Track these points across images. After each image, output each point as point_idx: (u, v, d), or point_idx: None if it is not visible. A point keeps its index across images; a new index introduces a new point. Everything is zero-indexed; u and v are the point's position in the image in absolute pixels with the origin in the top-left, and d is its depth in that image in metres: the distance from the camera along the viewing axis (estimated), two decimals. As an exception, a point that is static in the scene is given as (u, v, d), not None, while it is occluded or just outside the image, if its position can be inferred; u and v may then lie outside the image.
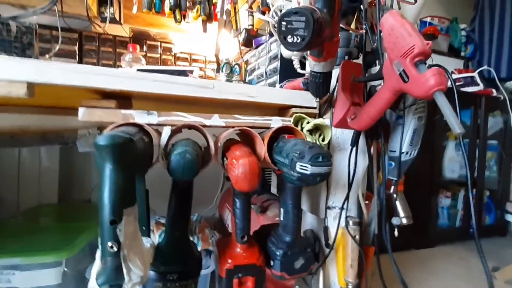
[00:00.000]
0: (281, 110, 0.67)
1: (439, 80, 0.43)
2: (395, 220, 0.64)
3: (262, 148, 0.56)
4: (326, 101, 0.63)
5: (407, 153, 0.63)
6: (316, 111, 0.63)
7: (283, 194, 0.55)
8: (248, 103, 0.59)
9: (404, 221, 0.66)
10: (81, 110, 0.48)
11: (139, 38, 1.47)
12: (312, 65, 0.55)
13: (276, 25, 0.76)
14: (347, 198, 0.62)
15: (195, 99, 0.55)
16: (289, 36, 0.37)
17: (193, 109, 0.75)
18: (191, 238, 1.04)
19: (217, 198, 1.29)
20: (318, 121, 0.55)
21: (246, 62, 1.16)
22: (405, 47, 0.47)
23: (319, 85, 0.56)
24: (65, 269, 0.94)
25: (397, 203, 0.69)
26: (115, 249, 0.32)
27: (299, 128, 0.60)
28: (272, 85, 0.89)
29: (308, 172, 0.45)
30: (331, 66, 0.55)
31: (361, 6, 0.63)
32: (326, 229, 0.65)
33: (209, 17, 1.12)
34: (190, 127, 0.53)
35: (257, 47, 1.02)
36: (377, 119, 0.57)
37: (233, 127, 0.59)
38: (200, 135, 0.55)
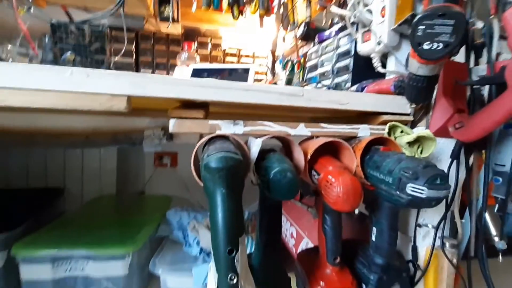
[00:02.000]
0: (365, 116, 0.61)
1: None
2: (500, 244, 0.55)
3: (352, 161, 0.51)
4: (422, 107, 0.56)
5: (521, 169, 0.54)
6: (410, 118, 0.56)
7: (377, 212, 0.50)
8: (332, 110, 0.54)
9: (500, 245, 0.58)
10: (172, 122, 0.47)
11: (189, 35, 1.47)
12: (415, 67, 0.48)
13: (357, 21, 0.69)
14: (444, 217, 0.55)
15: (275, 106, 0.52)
16: (427, 42, 0.32)
17: (261, 113, 0.72)
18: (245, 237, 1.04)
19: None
20: (423, 132, 0.48)
21: (304, 57, 1.09)
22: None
23: (421, 90, 0.49)
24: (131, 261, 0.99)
25: (491, 222, 0.60)
26: (235, 281, 0.30)
27: (391, 138, 0.54)
28: (340, 85, 0.82)
29: (423, 196, 0.39)
30: (440, 68, 0.47)
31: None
32: (415, 249, 0.58)
33: (267, 10, 1.07)
34: (278, 138, 0.50)
35: (320, 43, 0.95)
36: (491, 131, 0.49)
37: (317, 136, 0.54)
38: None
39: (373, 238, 0.50)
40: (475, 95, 0.56)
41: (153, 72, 1.42)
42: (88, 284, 0.99)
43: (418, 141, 0.51)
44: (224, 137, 0.46)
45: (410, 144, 0.50)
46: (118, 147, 1.37)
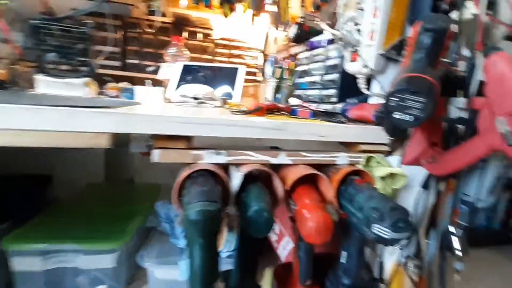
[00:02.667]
0: (345, 143, 0.63)
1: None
2: (458, 266, 0.61)
3: (329, 192, 0.54)
4: (399, 138, 0.58)
5: (484, 201, 0.58)
6: (387, 148, 0.59)
7: (348, 238, 0.54)
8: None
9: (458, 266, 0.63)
10: (156, 153, 0.48)
11: (179, 23, 1.41)
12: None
13: (344, 41, 0.69)
14: (410, 240, 0.60)
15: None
16: (399, 113, 0.33)
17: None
18: (230, 233, 1.09)
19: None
20: (396, 170, 0.51)
21: (295, 58, 1.08)
22: (516, 105, 0.41)
23: (398, 128, 0.51)
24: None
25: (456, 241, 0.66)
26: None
27: (367, 168, 0.57)
28: (328, 97, 0.83)
29: (387, 237, 0.43)
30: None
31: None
32: (381, 264, 0.64)
33: (258, 9, 1.03)
34: (260, 172, 0.52)
35: (311, 49, 0.94)
36: (462, 169, 0.52)
37: (296, 164, 0.56)
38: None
39: (343, 261, 0.55)
40: (451, 129, 0.58)
41: (140, 63, 1.38)
42: (77, 274, 1.04)
43: (391, 175, 0.54)
44: (205, 172, 0.48)
45: (383, 177, 0.53)
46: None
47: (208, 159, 0.50)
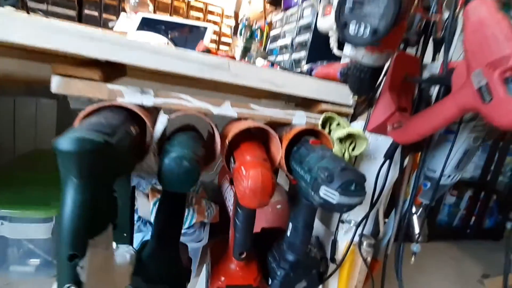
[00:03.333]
0: (307, 101, 0.55)
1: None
2: (415, 247, 0.56)
3: (278, 151, 0.46)
4: (365, 100, 0.51)
5: (449, 176, 0.52)
6: (351, 110, 0.51)
7: (295, 208, 0.46)
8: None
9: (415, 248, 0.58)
10: (55, 80, 0.37)
11: (149, -24, 1.26)
12: (360, 55, 0.42)
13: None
14: (366, 217, 0.53)
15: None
16: (353, 23, 0.25)
17: (198, 85, 0.63)
18: (186, 209, 1.00)
19: (218, 165, 1.22)
20: (355, 130, 0.43)
21: (270, 25, 0.98)
22: (496, 54, 0.34)
23: (364, 81, 0.43)
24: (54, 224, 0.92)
25: (416, 221, 0.61)
26: (74, 292, 0.25)
27: (326, 129, 0.49)
28: (298, 61, 0.75)
29: (334, 202, 0.35)
30: (386, 59, 0.42)
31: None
32: (334, 244, 0.57)
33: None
34: (193, 115, 0.43)
35: (286, 9, 0.85)
36: (427, 136, 0.46)
37: (246, 118, 0.48)
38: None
39: (288, 234, 0.47)
40: (422, 94, 0.52)
41: (100, 15, 1.22)
42: (7, 245, 0.92)
43: (351, 137, 0.47)
44: (122, 109, 0.38)
45: (342, 140, 0.46)
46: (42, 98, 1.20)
47: (130, 97, 0.40)
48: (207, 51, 0.49)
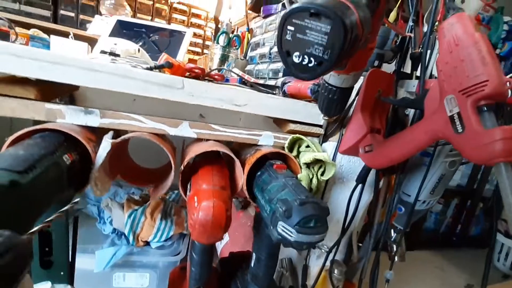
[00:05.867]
0: (276, 119, 0.52)
1: (510, 147, 0.28)
2: (388, 274, 0.53)
3: (240, 177, 0.42)
4: (336, 120, 0.48)
5: (423, 202, 0.50)
6: (321, 131, 0.48)
7: (257, 239, 0.43)
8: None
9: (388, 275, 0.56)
10: (-18, 100, 0.33)
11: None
12: (327, 76, 0.39)
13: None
14: (338, 243, 0.50)
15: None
16: (296, 53, 0.21)
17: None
18: (164, 221, 0.96)
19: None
20: (321, 156, 0.40)
21: (251, 32, 0.95)
22: (470, 79, 0.31)
23: (332, 102, 0.40)
24: None
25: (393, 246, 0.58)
26: None
27: (295, 152, 0.46)
28: (276, 72, 0.72)
29: (291, 239, 0.32)
30: (353, 81, 0.39)
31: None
32: (306, 269, 0.54)
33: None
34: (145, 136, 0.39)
35: (265, 17, 0.81)
36: (399, 162, 0.43)
37: (207, 139, 0.44)
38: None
39: (252, 264, 0.44)
40: (398, 114, 0.49)
41: (76, 16, 1.17)
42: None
43: (319, 162, 0.44)
44: (59, 133, 0.34)
45: (309, 164, 0.43)
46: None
47: (72, 118, 0.36)
48: (168, 64, 0.45)
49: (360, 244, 0.57)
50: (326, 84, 0.40)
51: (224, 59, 0.80)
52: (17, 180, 0.23)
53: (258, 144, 0.46)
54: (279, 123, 0.50)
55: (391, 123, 0.48)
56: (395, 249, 0.55)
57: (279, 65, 0.70)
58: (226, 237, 0.86)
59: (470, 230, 1.99)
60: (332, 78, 0.38)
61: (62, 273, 0.35)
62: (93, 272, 0.85)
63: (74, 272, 0.37)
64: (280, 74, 0.68)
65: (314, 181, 0.43)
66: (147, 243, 0.94)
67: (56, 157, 0.29)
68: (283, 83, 0.56)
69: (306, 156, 0.41)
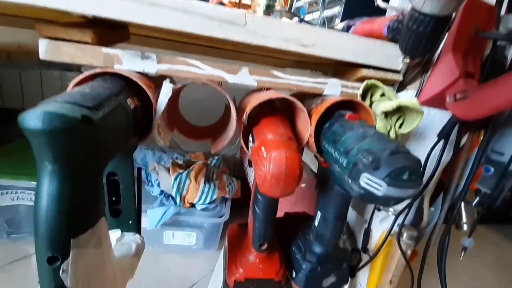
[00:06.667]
0: (342, 66, 0.45)
1: None
2: (466, 242, 0.47)
3: (306, 128, 0.38)
4: (419, 63, 0.40)
5: (523, 161, 0.42)
6: (399, 77, 0.41)
7: (326, 195, 0.39)
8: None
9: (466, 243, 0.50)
10: (42, 44, 0.31)
11: None
12: (420, 1, 0.31)
13: None
14: (409, 206, 0.45)
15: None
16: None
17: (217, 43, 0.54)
18: (207, 184, 0.97)
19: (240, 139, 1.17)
20: (408, 102, 0.34)
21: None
22: None
23: (423, 37, 0.33)
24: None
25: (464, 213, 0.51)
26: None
27: (367, 101, 0.40)
28: (331, 19, 0.63)
29: (379, 194, 0.28)
30: (456, 6, 0.31)
31: None
32: (368, 233, 0.51)
33: None
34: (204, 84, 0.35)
35: (317, -42, 0.71)
36: (502, 111, 0.35)
37: (268, 88, 0.40)
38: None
39: (316, 223, 0.41)
40: (496, 55, 0.40)
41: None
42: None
43: (399, 111, 0.37)
44: (120, 78, 0.32)
45: (388, 114, 0.37)
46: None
47: (129, 63, 0.34)
48: (220, 3, 0.40)
49: (432, 208, 0.51)
50: (417, 14, 0.32)
51: (269, 9, 0.73)
52: (89, 116, 0.21)
53: (323, 93, 0.41)
54: (344, 71, 0.44)
55: (488, 66, 0.39)
56: (468, 217, 0.49)
57: (335, 10, 0.61)
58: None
59: (532, 206, 1.80)
60: (427, 3, 0.31)
61: (130, 221, 0.35)
62: (145, 229, 0.90)
63: (141, 221, 0.37)
64: (337, 20, 0.60)
65: (392, 133, 0.37)
66: (192, 205, 0.97)
67: (121, 100, 0.27)
68: (347, 26, 0.48)
69: (386, 104, 0.35)
